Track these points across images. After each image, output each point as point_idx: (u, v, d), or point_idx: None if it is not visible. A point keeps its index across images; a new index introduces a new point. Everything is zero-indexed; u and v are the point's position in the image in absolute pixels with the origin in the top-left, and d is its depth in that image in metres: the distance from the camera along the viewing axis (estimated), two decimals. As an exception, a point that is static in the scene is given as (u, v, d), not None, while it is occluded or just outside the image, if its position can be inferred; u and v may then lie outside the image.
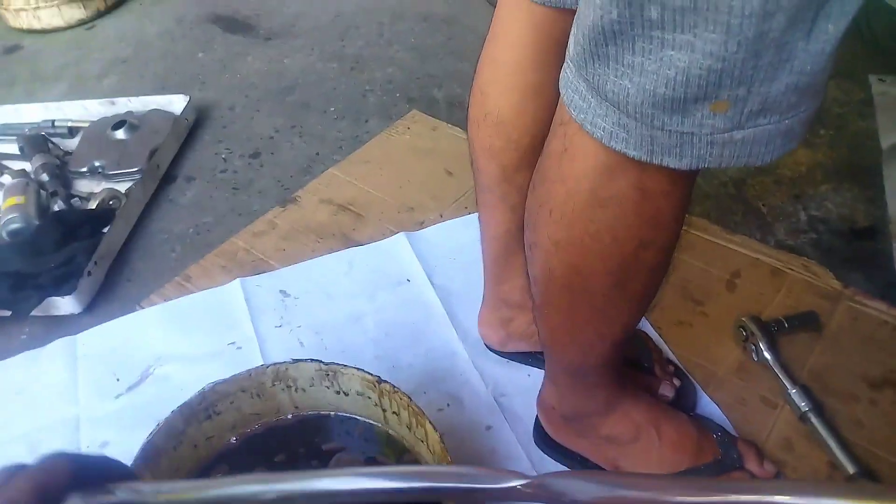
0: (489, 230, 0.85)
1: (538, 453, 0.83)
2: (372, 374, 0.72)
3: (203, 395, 0.71)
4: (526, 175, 0.69)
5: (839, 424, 0.83)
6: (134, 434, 0.69)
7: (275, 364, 0.73)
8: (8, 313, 1.00)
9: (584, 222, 0.57)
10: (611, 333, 0.65)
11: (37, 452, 0.82)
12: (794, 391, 0.85)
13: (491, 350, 0.94)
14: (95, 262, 1.06)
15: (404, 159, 1.29)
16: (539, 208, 0.60)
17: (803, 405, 0.83)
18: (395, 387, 0.71)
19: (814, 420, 0.82)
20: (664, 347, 0.93)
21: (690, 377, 0.89)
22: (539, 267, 0.63)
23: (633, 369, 0.84)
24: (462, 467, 0.38)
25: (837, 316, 0.96)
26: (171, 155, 1.33)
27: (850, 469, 0.78)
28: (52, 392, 0.93)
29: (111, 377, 0.94)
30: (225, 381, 0.72)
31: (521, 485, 0.35)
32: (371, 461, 0.75)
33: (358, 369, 0.73)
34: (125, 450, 0.66)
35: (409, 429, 0.73)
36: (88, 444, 0.86)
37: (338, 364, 0.73)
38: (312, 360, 0.73)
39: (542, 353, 0.87)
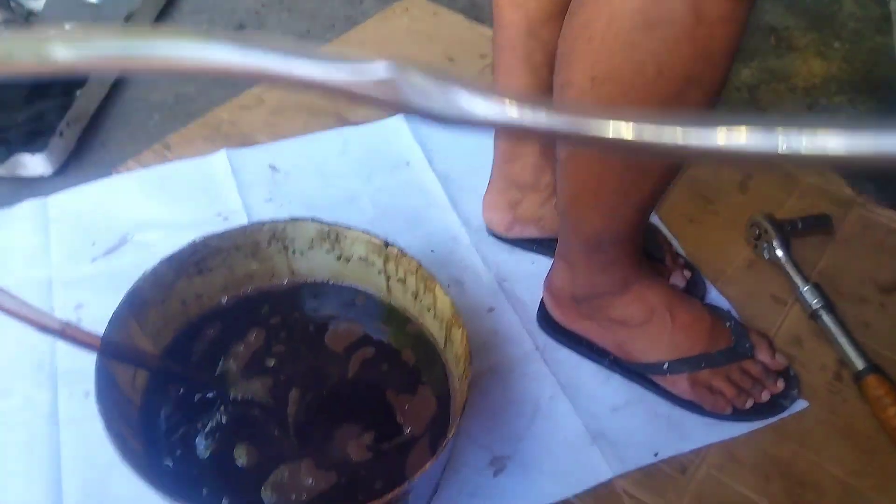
0: None
1: (542, 336, 0.79)
2: (378, 237, 0.67)
3: (194, 248, 0.65)
4: (553, 29, 0.64)
5: (848, 324, 0.81)
6: (111, 298, 0.63)
7: (272, 221, 0.68)
8: (-30, 169, 0.92)
9: (627, 49, 0.51)
10: (639, 195, 0.61)
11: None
12: (805, 288, 0.82)
13: (495, 237, 0.89)
14: (68, 123, 0.97)
15: (403, 43, 1.21)
16: (576, 39, 0.54)
17: (815, 302, 0.81)
18: (402, 250, 0.66)
19: (825, 317, 0.80)
20: (673, 242, 0.90)
21: (699, 271, 0.86)
22: None
23: (644, 258, 0.80)
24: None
25: (849, 222, 0.94)
26: (148, 20, 1.22)
27: (860, 365, 0.76)
28: (21, 254, 0.86)
29: (86, 241, 0.87)
30: (218, 234, 0.66)
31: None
32: (368, 338, 0.70)
33: (363, 231, 0.67)
34: (102, 313, 0.61)
35: (415, 297, 0.68)
36: (62, 305, 0.80)
37: (341, 225, 0.68)
38: (313, 219, 0.68)
39: (548, 240, 0.83)
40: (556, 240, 0.74)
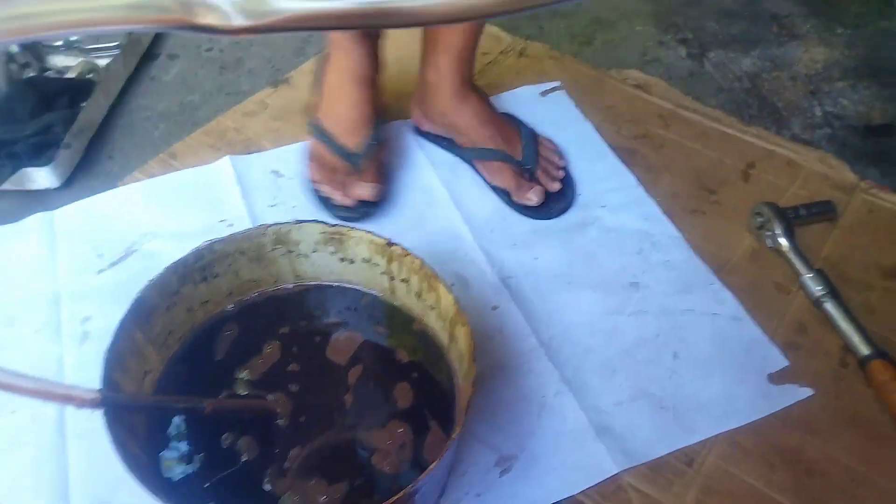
0: None
1: (547, 332, 0.80)
2: (381, 237, 0.68)
3: (199, 254, 0.66)
4: None
5: (853, 310, 0.81)
6: (119, 309, 0.63)
7: (276, 224, 0.68)
8: (-21, 184, 0.93)
9: None
10: None
11: (14, 326, 0.76)
12: (809, 276, 0.82)
13: (418, 133, 1.02)
14: (74, 135, 0.98)
15: (405, 41, 1.21)
16: None
17: (818, 289, 0.81)
18: (406, 249, 0.67)
19: (828, 304, 0.80)
20: (673, 230, 0.90)
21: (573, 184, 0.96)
22: None
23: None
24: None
25: (852, 208, 0.94)
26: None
27: (865, 350, 0.76)
28: (28, 267, 0.87)
29: (93, 253, 0.88)
30: (222, 240, 0.67)
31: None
32: (369, 344, 0.70)
33: (366, 231, 0.68)
34: (110, 325, 0.62)
35: (419, 296, 0.69)
36: (70, 318, 0.81)
37: (344, 225, 0.69)
38: (316, 220, 0.69)
39: (449, 139, 0.99)
40: (454, 141, 0.97)
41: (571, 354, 0.79)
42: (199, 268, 0.66)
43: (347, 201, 0.87)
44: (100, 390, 0.57)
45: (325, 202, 0.89)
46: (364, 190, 0.86)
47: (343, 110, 0.89)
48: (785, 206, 0.90)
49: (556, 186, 0.92)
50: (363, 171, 0.88)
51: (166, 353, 0.67)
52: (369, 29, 0.83)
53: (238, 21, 0.23)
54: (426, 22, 0.22)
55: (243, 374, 0.67)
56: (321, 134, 0.89)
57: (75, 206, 0.93)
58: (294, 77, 1.15)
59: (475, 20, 0.26)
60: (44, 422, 0.71)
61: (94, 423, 0.70)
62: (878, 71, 1.18)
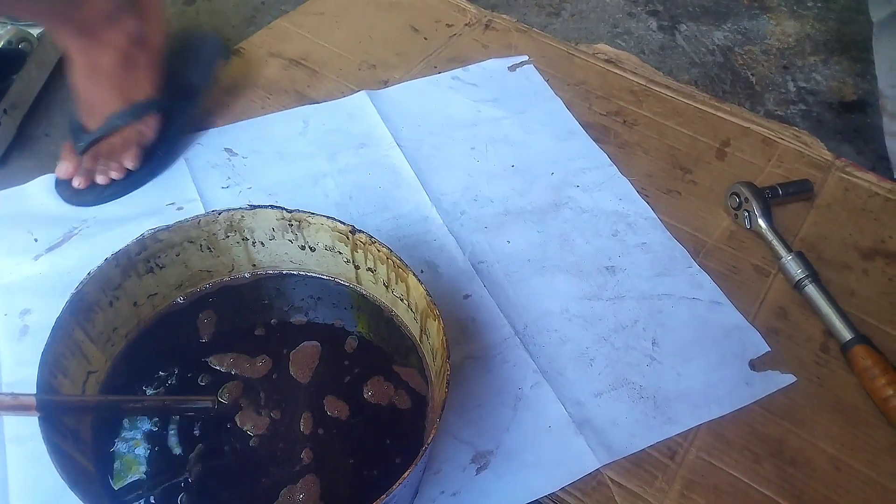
0: None
1: (521, 320, 0.76)
2: (345, 224, 0.62)
3: (142, 243, 0.60)
4: None
5: (833, 293, 0.79)
6: (59, 300, 0.57)
7: (228, 210, 0.62)
8: None
9: None
10: None
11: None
12: (789, 258, 0.80)
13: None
14: (5, 111, 0.90)
15: (364, 13, 1.15)
16: None
17: (799, 272, 0.79)
18: (371, 237, 0.62)
19: (809, 288, 0.78)
20: (648, 211, 0.86)
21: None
22: None
23: None
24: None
25: (829, 186, 0.91)
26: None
27: (847, 335, 0.74)
28: (-43, 256, 0.80)
29: (28, 237, 0.81)
30: (168, 227, 0.61)
31: None
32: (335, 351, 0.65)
33: (328, 217, 0.63)
34: (50, 317, 0.56)
35: (387, 287, 0.64)
36: (6, 312, 0.74)
37: (303, 212, 0.63)
38: (273, 206, 0.63)
39: None
40: None
41: (547, 343, 0.75)
42: (143, 259, 0.60)
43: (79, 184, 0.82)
44: (35, 395, 0.52)
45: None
46: (60, 168, 0.82)
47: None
48: (762, 185, 0.87)
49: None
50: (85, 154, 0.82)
51: (112, 351, 0.61)
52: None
53: None
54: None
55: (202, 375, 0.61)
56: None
57: (11, 191, 0.85)
58: (246, 48, 1.07)
59: None
60: (-24, 427, 0.65)
61: (32, 427, 0.65)
62: (848, 45, 1.16)
